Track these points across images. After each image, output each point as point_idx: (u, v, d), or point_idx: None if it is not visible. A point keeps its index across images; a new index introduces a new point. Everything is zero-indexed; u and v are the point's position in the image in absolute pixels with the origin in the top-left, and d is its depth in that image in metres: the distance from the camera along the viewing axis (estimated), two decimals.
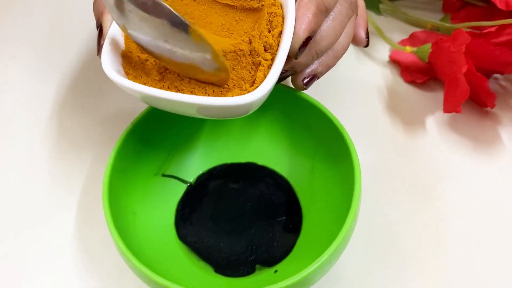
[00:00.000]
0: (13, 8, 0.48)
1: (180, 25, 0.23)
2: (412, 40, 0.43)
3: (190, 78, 0.26)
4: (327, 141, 0.31)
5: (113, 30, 0.27)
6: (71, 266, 0.33)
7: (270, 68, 0.26)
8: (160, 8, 0.23)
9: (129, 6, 0.24)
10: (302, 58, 0.28)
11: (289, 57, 0.27)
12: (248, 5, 0.28)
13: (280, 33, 0.27)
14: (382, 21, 0.44)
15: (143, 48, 0.25)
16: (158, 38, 0.24)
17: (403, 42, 0.43)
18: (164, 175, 0.33)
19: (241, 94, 0.25)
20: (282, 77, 0.29)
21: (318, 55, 0.29)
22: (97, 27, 0.28)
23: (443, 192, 0.35)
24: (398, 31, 0.44)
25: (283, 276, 0.25)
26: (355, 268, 0.32)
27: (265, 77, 0.26)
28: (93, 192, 0.36)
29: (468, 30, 0.39)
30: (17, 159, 0.38)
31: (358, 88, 0.41)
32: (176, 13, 0.23)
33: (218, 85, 0.26)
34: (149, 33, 0.24)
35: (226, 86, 0.26)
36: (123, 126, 0.32)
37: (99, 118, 0.39)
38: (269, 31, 0.27)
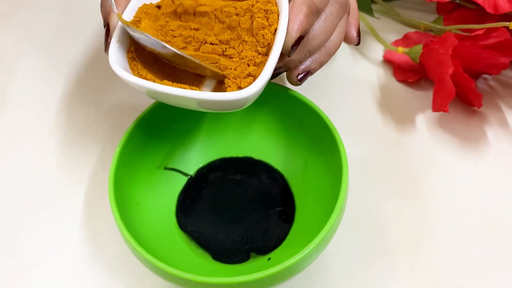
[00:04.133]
0: (22, 6, 0.49)
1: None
2: (405, 40, 0.44)
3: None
4: (318, 137, 0.33)
5: (120, 29, 0.29)
6: (78, 251, 0.34)
7: (264, 65, 0.28)
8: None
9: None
10: (295, 56, 0.30)
11: (282, 55, 0.28)
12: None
13: (276, 30, 0.28)
14: (376, 22, 0.46)
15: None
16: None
17: (396, 43, 0.44)
18: (166, 168, 0.35)
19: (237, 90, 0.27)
20: (276, 73, 0.31)
21: (310, 53, 0.30)
22: (104, 26, 0.30)
23: (431, 187, 0.36)
24: (393, 32, 0.46)
25: (276, 263, 0.27)
26: (344, 257, 0.33)
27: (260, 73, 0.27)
28: (100, 182, 0.37)
29: (459, 32, 0.41)
30: (28, 151, 0.39)
31: (352, 87, 0.42)
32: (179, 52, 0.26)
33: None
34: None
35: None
36: (128, 120, 0.33)
37: (105, 112, 0.41)
38: (265, 28, 0.28)
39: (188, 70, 0.29)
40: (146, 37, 0.27)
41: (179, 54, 0.27)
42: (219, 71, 0.28)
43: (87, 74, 0.44)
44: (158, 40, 0.27)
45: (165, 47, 0.27)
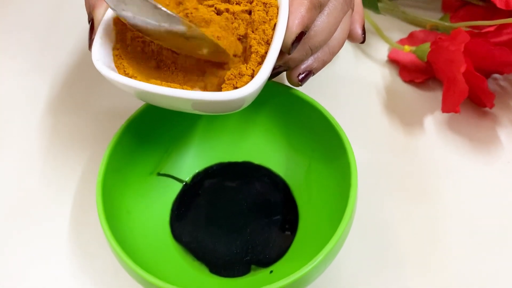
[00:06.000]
0: (7, 6, 0.48)
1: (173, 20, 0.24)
2: (411, 39, 0.43)
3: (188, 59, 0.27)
4: (323, 140, 0.31)
5: (104, 25, 0.27)
6: (65, 263, 0.33)
7: (263, 63, 0.26)
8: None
9: None
10: (295, 54, 0.28)
11: (282, 53, 0.26)
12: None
13: (275, 25, 0.26)
14: (381, 20, 0.44)
15: (138, 29, 0.25)
16: (153, 22, 0.25)
17: (402, 41, 0.43)
18: (159, 174, 0.33)
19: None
20: (275, 73, 0.29)
21: (312, 51, 0.28)
22: (89, 21, 0.28)
23: (441, 192, 0.35)
24: (397, 30, 0.44)
25: (279, 277, 0.25)
26: (351, 268, 0.32)
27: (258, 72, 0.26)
28: (88, 190, 0.35)
29: (468, 29, 0.39)
30: (11, 157, 0.38)
31: (357, 87, 0.41)
32: (170, 12, 0.23)
33: (220, 63, 0.26)
34: (143, 18, 0.25)
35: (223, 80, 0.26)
36: (119, 123, 0.32)
37: (94, 116, 0.39)
38: (266, 23, 0.27)
39: (181, 51, 0.27)
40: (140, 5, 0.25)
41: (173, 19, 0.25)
42: (219, 43, 0.25)
43: (75, 76, 0.42)
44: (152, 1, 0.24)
45: (158, 8, 0.24)
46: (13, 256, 0.33)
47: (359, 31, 0.33)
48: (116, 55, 0.27)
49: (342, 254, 0.32)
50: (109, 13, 0.27)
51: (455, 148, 0.37)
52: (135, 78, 0.26)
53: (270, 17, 0.26)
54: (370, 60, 0.43)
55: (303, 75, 0.29)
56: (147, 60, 0.28)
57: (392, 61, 0.42)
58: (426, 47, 0.39)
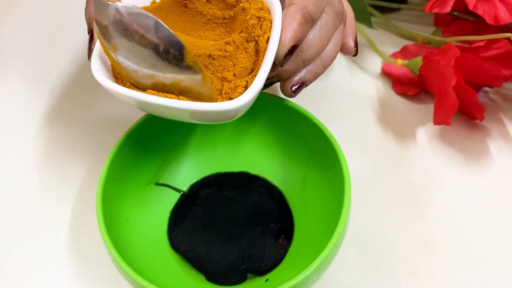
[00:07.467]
0: (7, 15, 0.48)
1: (176, 46, 0.24)
2: (403, 53, 0.43)
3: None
4: (318, 150, 0.32)
5: None
6: (65, 272, 0.33)
7: (256, 75, 0.26)
8: (158, 29, 0.24)
9: (114, 34, 0.24)
10: (288, 66, 0.29)
11: (275, 65, 0.27)
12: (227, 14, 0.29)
13: (269, 38, 0.27)
14: (374, 34, 0.45)
15: (128, 75, 0.26)
16: (145, 65, 0.25)
17: (395, 55, 0.43)
18: (157, 184, 0.34)
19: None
20: (268, 83, 0.30)
21: (304, 64, 0.29)
22: (88, 32, 0.29)
23: (433, 202, 0.35)
24: (390, 44, 0.45)
25: (274, 285, 0.25)
26: (346, 275, 0.32)
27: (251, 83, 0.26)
28: (87, 199, 0.36)
29: (458, 44, 0.40)
30: (10, 167, 0.38)
31: (350, 99, 0.42)
32: (173, 34, 0.24)
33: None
34: (135, 60, 0.25)
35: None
36: (118, 134, 0.32)
37: (93, 126, 0.40)
38: (261, 36, 0.27)
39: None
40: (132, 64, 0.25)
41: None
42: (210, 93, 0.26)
43: (74, 86, 0.43)
44: (151, 15, 0.24)
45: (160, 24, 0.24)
46: (13, 266, 0.33)
47: (351, 44, 0.33)
48: (114, 65, 0.28)
49: (336, 262, 0.32)
50: None
51: (447, 159, 0.38)
52: (133, 88, 0.26)
53: (264, 30, 0.27)
54: (364, 73, 0.44)
55: (296, 87, 0.30)
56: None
57: (385, 74, 0.43)
58: (418, 61, 0.40)
